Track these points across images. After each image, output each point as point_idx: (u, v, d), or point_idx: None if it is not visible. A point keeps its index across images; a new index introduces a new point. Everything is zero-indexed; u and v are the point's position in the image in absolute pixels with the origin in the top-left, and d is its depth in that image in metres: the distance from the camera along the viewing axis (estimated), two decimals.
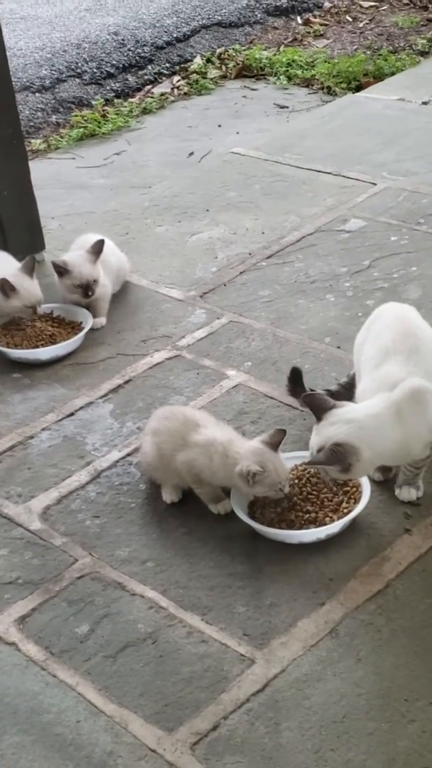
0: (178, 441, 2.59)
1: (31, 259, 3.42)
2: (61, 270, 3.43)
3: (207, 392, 3.09)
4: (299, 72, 6.24)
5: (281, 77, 6.24)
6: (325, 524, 2.47)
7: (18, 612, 2.39)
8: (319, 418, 2.47)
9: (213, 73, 6.42)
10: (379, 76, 5.98)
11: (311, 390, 2.82)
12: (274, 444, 2.51)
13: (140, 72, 6.37)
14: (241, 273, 3.75)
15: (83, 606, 2.38)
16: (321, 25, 7.13)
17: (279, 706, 2.09)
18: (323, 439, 2.42)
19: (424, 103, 5.25)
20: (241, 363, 3.22)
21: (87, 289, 3.42)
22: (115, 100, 6.06)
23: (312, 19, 7.23)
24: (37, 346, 3.34)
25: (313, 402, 2.52)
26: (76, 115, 5.78)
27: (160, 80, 6.38)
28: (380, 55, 6.31)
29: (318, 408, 2.49)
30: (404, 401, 2.42)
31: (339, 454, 2.37)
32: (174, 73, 6.46)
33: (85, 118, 5.74)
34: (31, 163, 4.02)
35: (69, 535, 2.60)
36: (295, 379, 2.91)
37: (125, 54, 6.42)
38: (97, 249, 3.46)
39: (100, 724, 2.10)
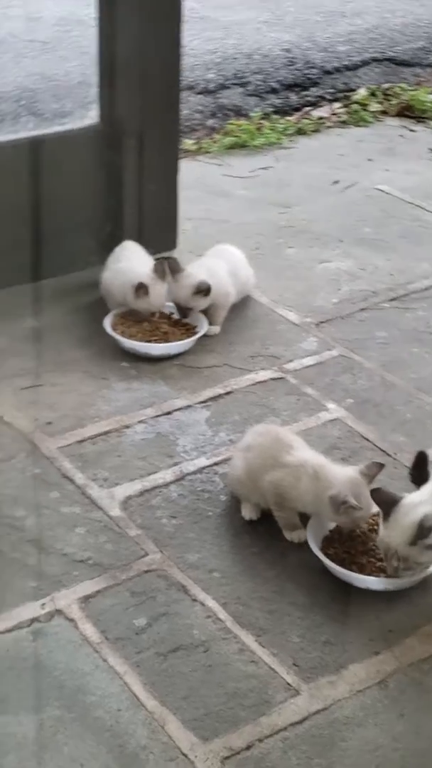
0: (268, 460, 2.62)
1: (163, 263, 3.48)
2: (174, 271, 3.48)
3: (304, 420, 3.12)
4: None
5: None
6: None
7: (83, 591, 2.45)
8: (387, 514, 2.41)
9: (374, 106, 6.43)
10: None
11: None
12: (370, 477, 2.52)
13: (303, 92, 6.43)
14: (361, 309, 3.76)
15: (145, 599, 2.44)
16: None
17: (315, 741, 2.10)
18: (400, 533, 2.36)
19: None
20: (343, 398, 3.23)
21: (183, 310, 3.50)
22: (273, 116, 6.12)
23: None
24: (149, 341, 3.42)
25: (380, 497, 2.45)
26: (232, 123, 5.86)
27: (320, 104, 6.43)
28: None
29: (388, 502, 2.42)
30: None
31: None
32: (336, 100, 6.49)
33: (240, 127, 5.81)
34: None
35: (144, 528, 2.66)
36: (421, 465, 2.64)
37: (292, 72, 6.50)
38: (206, 288, 3.44)
39: (140, 717, 2.15)
